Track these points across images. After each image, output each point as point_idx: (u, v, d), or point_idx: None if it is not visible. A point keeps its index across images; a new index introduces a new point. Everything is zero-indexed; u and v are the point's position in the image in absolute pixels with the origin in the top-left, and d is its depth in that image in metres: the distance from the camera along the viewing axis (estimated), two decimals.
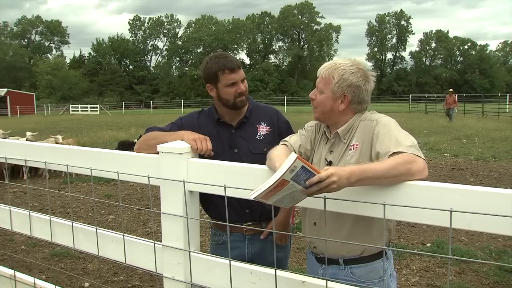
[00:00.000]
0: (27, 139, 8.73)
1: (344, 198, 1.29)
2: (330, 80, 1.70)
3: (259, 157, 1.73)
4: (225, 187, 1.42)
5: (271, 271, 1.38)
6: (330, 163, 1.73)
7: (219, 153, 1.86)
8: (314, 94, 1.77)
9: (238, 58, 2.67)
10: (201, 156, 1.76)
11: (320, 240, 1.77)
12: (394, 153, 1.42)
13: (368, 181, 1.29)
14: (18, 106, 42.47)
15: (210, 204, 2.19)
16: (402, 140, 1.48)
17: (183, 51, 76.48)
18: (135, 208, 6.34)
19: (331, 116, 1.75)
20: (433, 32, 78.92)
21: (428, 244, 4.73)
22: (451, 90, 22.36)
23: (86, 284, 3.93)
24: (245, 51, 77.24)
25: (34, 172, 9.02)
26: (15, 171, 8.77)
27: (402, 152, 1.40)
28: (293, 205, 1.36)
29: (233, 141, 2.16)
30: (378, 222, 1.63)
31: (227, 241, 2.18)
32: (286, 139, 1.86)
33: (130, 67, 75.71)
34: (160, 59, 79.59)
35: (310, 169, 1.24)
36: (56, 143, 8.65)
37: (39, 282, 2.17)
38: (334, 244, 1.70)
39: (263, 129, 2.18)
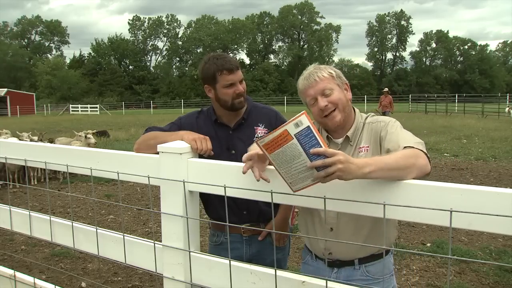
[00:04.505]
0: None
1: (344, 197, 1.29)
2: (331, 76, 1.73)
3: None
4: (225, 187, 1.42)
5: (271, 271, 1.38)
6: None
7: (216, 154, 1.85)
8: (324, 101, 1.68)
9: (238, 58, 2.66)
10: (201, 156, 1.76)
11: (338, 245, 1.73)
12: (404, 148, 1.46)
13: (381, 173, 1.26)
14: (18, 106, 42.47)
15: (209, 204, 2.19)
16: (410, 138, 1.54)
17: (183, 51, 76.49)
18: (135, 208, 6.35)
19: (349, 111, 1.76)
20: (433, 32, 79.03)
21: (428, 244, 4.73)
22: (386, 89, 18.73)
23: (86, 284, 3.93)
24: (245, 51, 77.35)
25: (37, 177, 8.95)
26: (20, 175, 8.58)
27: (411, 147, 1.44)
28: (299, 188, 1.25)
29: (231, 142, 2.15)
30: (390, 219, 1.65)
31: (225, 242, 2.18)
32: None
33: (130, 67, 75.71)
34: (160, 59, 79.73)
35: (317, 136, 1.18)
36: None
37: (39, 282, 2.17)
38: (354, 246, 1.69)
39: (260, 131, 2.16)
